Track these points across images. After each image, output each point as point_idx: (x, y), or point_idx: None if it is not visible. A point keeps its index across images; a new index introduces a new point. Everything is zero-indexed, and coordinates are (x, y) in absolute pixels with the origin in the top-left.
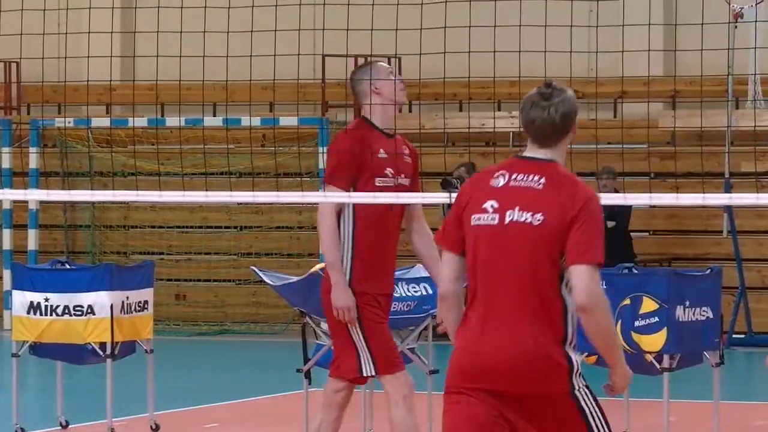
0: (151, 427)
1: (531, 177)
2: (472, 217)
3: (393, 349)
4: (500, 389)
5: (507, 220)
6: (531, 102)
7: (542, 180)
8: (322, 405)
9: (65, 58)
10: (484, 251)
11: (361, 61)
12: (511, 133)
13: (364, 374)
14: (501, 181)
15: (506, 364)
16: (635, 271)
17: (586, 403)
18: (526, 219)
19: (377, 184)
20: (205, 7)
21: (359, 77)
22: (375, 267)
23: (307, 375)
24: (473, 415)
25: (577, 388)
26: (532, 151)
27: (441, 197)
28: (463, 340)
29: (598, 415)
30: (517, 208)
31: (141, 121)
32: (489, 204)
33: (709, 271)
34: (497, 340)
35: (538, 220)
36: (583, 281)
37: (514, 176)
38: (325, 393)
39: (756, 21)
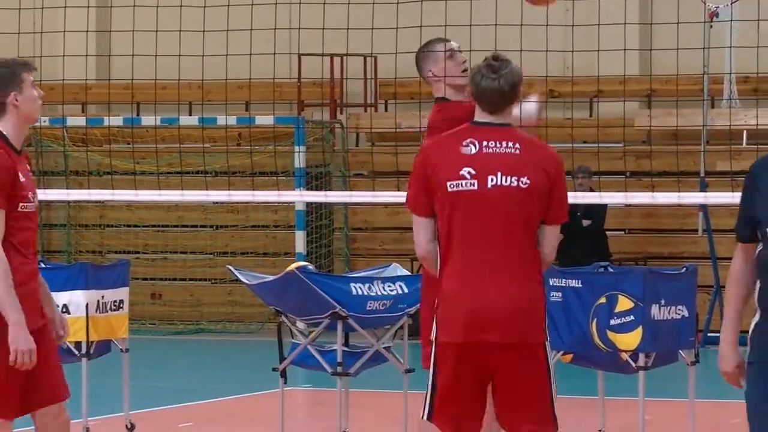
0: (126, 426)
1: (505, 143)
2: (448, 183)
3: None
4: (489, 341)
5: (489, 184)
6: (481, 74)
7: (517, 145)
8: None
9: (41, 57)
10: (465, 214)
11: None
12: None
13: None
14: (473, 149)
15: (498, 316)
16: (611, 270)
17: (549, 359)
18: (512, 183)
19: None
20: (181, 6)
21: (420, 64)
22: None
23: (283, 374)
24: (460, 381)
25: (548, 339)
26: (485, 117)
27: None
28: (451, 297)
29: (553, 372)
30: (499, 174)
31: (116, 121)
32: (465, 171)
33: (684, 269)
34: (488, 294)
35: (525, 183)
36: (555, 239)
37: (485, 143)
38: None
39: (731, 20)
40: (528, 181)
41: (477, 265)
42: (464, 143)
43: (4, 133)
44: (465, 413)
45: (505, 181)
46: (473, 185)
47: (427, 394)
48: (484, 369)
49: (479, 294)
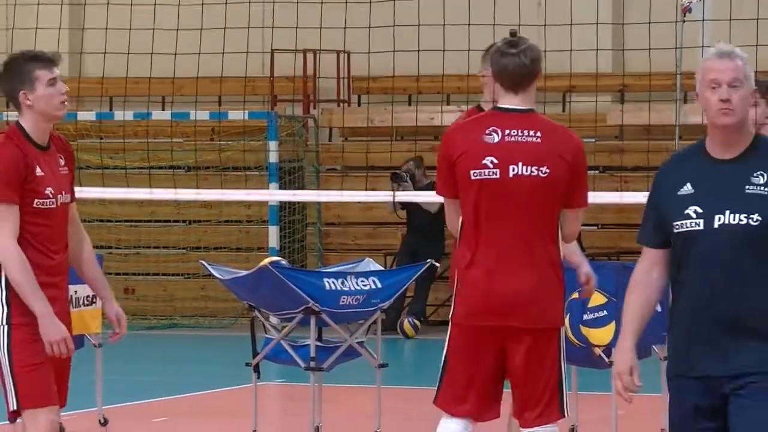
0: (99, 421)
1: (526, 132)
2: (471, 172)
3: None
4: (505, 325)
5: (511, 173)
6: (501, 52)
7: (538, 133)
8: None
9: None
10: (488, 202)
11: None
12: None
13: None
14: (495, 137)
15: (514, 302)
16: None
17: (561, 347)
18: (532, 172)
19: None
20: (155, 4)
21: (482, 61)
22: None
23: (256, 369)
24: (480, 359)
25: (564, 325)
26: (509, 101)
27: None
28: (474, 281)
29: (564, 361)
30: (520, 163)
31: (89, 116)
32: (488, 160)
33: None
34: (506, 281)
35: (545, 172)
36: (575, 223)
37: (507, 131)
38: None
39: (702, 19)
40: (548, 171)
41: (497, 252)
42: (487, 131)
43: (25, 128)
44: (473, 398)
45: (526, 171)
46: (495, 174)
47: (438, 378)
48: (499, 353)
49: (498, 280)
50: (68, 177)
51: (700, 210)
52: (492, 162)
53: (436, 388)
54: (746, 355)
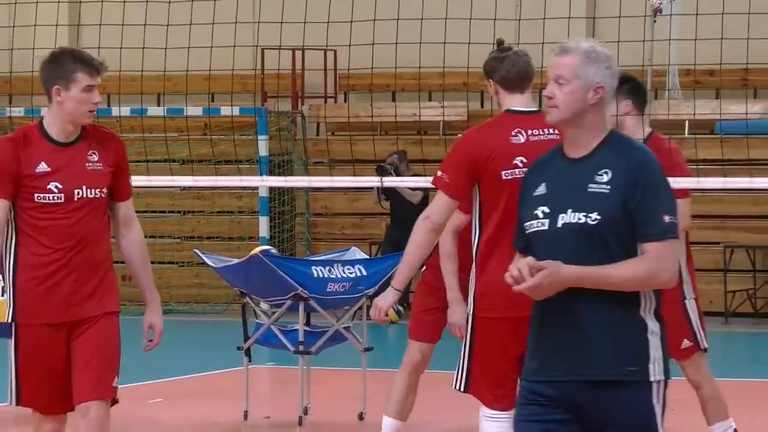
0: None
1: (546, 130)
2: (503, 172)
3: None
4: (525, 315)
5: None
6: (497, 58)
7: (555, 131)
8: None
9: (12, 49)
10: (515, 200)
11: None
12: (441, 122)
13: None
14: (521, 138)
15: None
16: None
17: None
18: None
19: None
20: (147, 1)
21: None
22: None
23: (248, 353)
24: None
25: None
26: (517, 102)
27: (373, 180)
28: (496, 276)
29: None
30: None
31: None
32: (518, 160)
33: None
34: None
35: None
36: None
37: (530, 132)
38: None
39: (671, 15)
40: None
41: None
42: (513, 133)
43: (46, 122)
44: (504, 384)
45: None
46: (525, 173)
47: (461, 367)
48: (520, 343)
49: None
50: (101, 173)
51: (547, 210)
52: (522, 162)
53: (463, 377)
54: (594, 357)
